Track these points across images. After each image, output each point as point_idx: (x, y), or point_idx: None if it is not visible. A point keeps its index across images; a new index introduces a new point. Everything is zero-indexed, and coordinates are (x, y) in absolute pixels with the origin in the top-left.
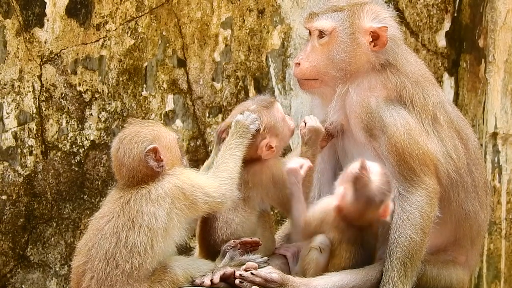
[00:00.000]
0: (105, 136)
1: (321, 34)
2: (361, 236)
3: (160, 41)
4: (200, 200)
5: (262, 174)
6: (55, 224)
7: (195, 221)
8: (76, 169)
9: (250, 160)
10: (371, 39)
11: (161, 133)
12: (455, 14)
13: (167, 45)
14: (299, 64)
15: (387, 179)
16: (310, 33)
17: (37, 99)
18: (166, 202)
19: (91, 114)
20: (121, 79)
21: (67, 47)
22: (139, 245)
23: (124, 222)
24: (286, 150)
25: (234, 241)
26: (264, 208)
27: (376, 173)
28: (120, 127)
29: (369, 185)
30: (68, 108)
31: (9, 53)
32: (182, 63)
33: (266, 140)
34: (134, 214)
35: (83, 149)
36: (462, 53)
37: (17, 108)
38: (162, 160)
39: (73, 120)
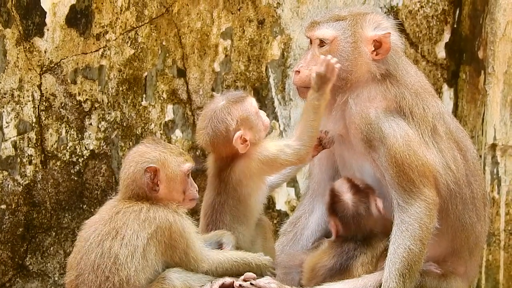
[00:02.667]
0: (105, 146)
1: (322, 42)
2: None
3: (160, 51)
4: (178, 253)
5: (250, 165)
6: (54, 234)
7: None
8: (75, 178)
9: (232, 158)
10: (373, 48)
11: (168, 160)
12: (455, 26)
13: (167, 55)
14: (299, 72)
15: (358, 188)
16: (311, 42)
17: (37, 109)
18: (151, 227)
19: (91, 124)
20: (120, 89)
21: (67, 57)
22: (120, 257)
23: (109, 231)
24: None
25: None
26: (263, 199)
27: (345, 190)
28: (120, 136)
29: (346, 207)
30: (67, 117)
31: (9, 63)
32: (182, 73)
33: (240, 132)
34: (119, 225)
35: (82, 159)
36: (461, 64)
37: (17, 117)
38: (158, 185)
39: (72, 129)
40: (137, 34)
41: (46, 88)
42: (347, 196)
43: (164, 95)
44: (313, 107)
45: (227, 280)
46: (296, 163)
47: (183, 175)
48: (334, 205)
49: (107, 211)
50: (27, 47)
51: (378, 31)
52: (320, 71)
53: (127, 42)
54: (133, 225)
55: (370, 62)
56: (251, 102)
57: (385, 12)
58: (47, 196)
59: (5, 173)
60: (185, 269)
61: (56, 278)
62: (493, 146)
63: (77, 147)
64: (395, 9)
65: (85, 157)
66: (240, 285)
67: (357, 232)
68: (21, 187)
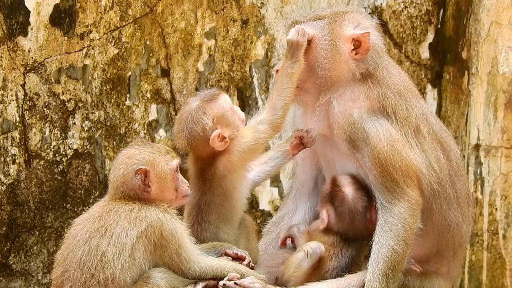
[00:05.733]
0: (88, 145)
1: None
2: (347, 240)
3: (143, 51)
4: (169, 252)
5: (232, 158)
6: (37, 233)
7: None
8: (59, 178)
9: (213, 156)
10: (352, 47)
11: (157, 160)
12: (439, 26)
13: (151, 54)
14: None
15: (361, 185)
16: None
17: (21, 108)
18: (142, 226)
19: (74, 123)
20: (104, 88)
21: (50, 56)
22: (107, 255)
23: (98, 228)
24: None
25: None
26: (247, 192)
27: (348, 184)
28: (103, 136)
29: (345, 199)
30: (51, 117)
31: None
32: (165, 73)
33: (217, 130)
34: (109, 222)
35: (66, 158)
36: (445, 64)
37: (0, 116)
38: (149, 187)
39: (56, 129)
40: (121, 34)
41: (29, 88)
42: (348, 190)
43: (148, 95)
44: (287, 75)
45: (211, 281)
46: (274, 134)
47: (172, 173)
48: (332, 193)
49: (98, 209)
50: (11, 46)
51: (357, 30)
52: (290, 37)
53: (111, 41)
54: (123, 223)
55: (349, 61)
56: (225, 99)
57: (369, 13)
58: (30, 195)
59: None
60: (175, 271)
61: (40, 277)
62: (477, 147)
63: (60, 146)
64: (379, 9)
65: (68, 156)
66: (224, 284)
67: (349, 229)
68: (5, 186)
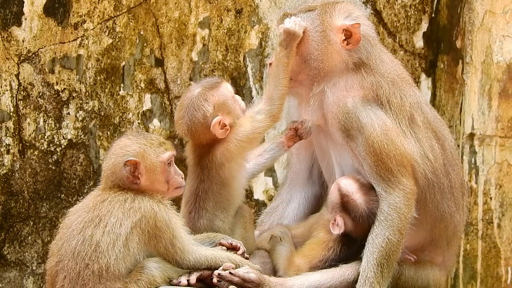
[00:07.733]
0: (82, 135)
1: None
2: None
3: (137, 41)
4: (163, 242)
5: (229, 146)
6: (32, 223)
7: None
8: (53, 168)
9: (211, 144)
10: (344, 38)
11: (147, 152)
12: (433, 15)
13: (145, 44)
14: (272, 64)
15: (368, 186)
16: None
17: (15, 98)
18: (136, 216)
19: (69, 113)
20: (98, 78)
21: (44, 46)
22: (101, 245)
23: (92, 218)
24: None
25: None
26: (245, 182)
27: (355, 190)
28: (97, 126)
29: (359, 206)
30: (45, 107)
31: None
32: (159, 63)
33: (218, 117)
34: (104, 213)
35: (60, 148)
36: (439, 54)
37: None
38: (138, 178)
39: (50, 119)
40: (115, 24)
41: (24, 78)
42: (358, 196)
43: (142, 85)
44: (283, 64)
45: (205, 271)
46: (271, 124)
47: (162, 166)
48: (343, 203)
49: (92, 199)
50: (5, 37)
51: (348, 20)
52: (288, 26)
53: (105, 31)
54: (117, 213)
55: (341, 51)
56: (227, 87)
57: (363, 2)
58: (25, 185)
59: None
60: (170, 261)
61: (34, 267)
62: (471, 136)
63: (55, 136)
64: None
65: (63, 146)
66: (219, 274)
67: (363, 234)
68: None
